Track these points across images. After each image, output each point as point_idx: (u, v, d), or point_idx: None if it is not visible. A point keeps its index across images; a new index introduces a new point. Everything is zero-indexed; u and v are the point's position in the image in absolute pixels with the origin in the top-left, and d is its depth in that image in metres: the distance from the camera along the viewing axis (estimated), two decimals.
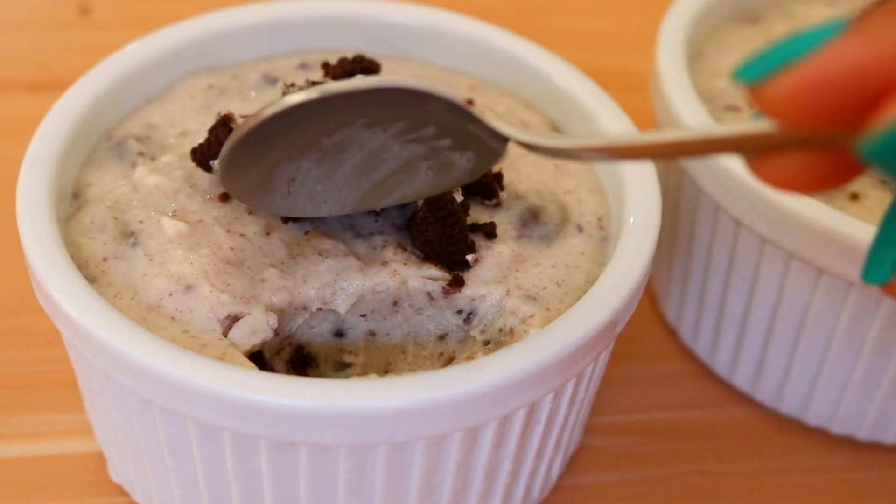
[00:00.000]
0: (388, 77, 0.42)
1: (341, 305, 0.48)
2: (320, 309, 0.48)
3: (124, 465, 0.52)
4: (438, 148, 0.44)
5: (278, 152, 0.44)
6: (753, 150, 0.34)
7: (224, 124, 0.49)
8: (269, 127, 0.43)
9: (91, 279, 0.47)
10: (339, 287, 0.48)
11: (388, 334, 0.49)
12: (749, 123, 0.34)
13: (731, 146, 0.35)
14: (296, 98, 0.42)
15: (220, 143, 0.48)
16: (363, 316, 0.49)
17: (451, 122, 0.42)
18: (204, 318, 0.46)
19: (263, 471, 0.45)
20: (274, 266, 0.48)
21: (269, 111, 0.42)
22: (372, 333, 0.49)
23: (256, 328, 0.46)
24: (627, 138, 0.37)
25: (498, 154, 0.44)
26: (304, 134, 0.44)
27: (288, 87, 0.49)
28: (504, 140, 0.42)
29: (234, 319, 0.46)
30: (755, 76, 0.33)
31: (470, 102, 0.42)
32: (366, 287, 0.48)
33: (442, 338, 0.49)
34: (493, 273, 0.48)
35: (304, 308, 0.48)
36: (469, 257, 0.48)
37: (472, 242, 0.48)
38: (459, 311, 0.48)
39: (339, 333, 0.50)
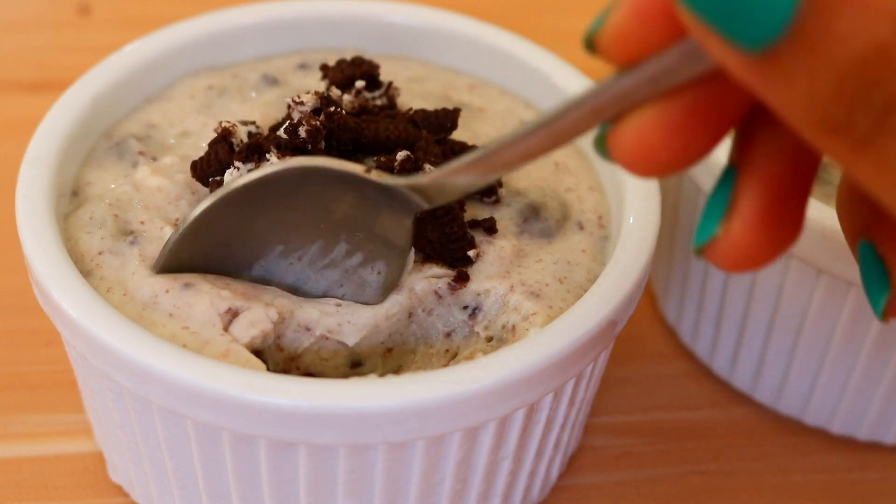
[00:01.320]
0: (284, 162, 0.45)
1: (349, 337, 0.47)
2: (326, 337, 0.47)
3: (124, 465, 0.52)
4: (351, 268, 0.47)
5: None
6: (607, 116, 0.35)
7: (224, 139, 0.49)
8: (183, 248, 0.46)
9: (86, 273, 0.47)
10: (346, 320, 0.47)
11: (403, 343, 0.49)
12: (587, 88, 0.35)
13: (586, 118, 0.35)
14: (207, 202, 0.45)
15: (220, 161, 0.48)
16: (382, 343, 0.48)
17: (357, 220, 0.45)
18: (204, 312, 0.45)
19: (263, 471, 0.45)
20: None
21: (175, 235, 0.46)
22: (389, 350, 0.49)
23: (256, 320, 0.46)
24: (482, 152, 0.39)
25: (405, 252, 0.46)
26: (224, 263, 0.47)
27: (296, 103, 0.49)
28: (406, 212, 0.44)
29: (234, 314, 0.46)
30: (594, 30, 0.34)
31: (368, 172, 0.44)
32: (378, 316, 0.47)
33: (448, 335, 0.49)
34: (497, 268, 0.48)
35: (308, 329, 0.47)
36: (470, 253, 0.48)
37: (472, 238, 0.48)
38: (465, 307, 0.48)
39: (357, 363, 0.49)
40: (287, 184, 0.45)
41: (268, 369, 0.47)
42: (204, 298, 0.46)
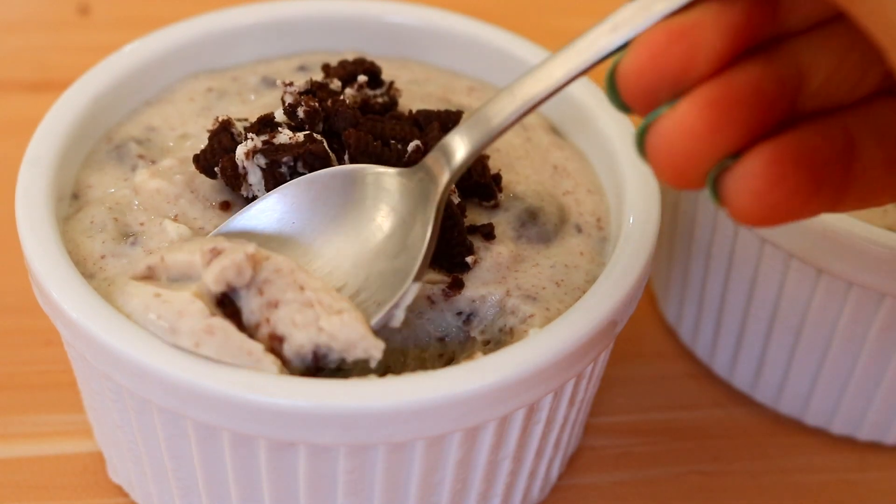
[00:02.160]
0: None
1: (338, 347, 0.46)
2: (312, 305, 0.46)
3: (124, 465, 0.52)
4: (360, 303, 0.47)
5: None
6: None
7: (225, 129, 0.49)
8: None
9: (88, 276, 0.47)
10: (347, 326, 0.45)
11: (387, 340, 0.49)
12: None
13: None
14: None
15: (224, 149, 0.48)
16: None
17: (389, 253, 0.46)
18: (183, 259, 0.44)
19: (262, 471, 0.45)
20: None
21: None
22: None
23: (227, 264, 0.43)
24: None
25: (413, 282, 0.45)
26: None
27: (287, 85, 0.49)
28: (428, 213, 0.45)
29: (216, 254, 0.44)
30: None
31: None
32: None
33: (441, 339, 0.49)
34: (493, 274, 0.48)
35: (301, 288, 0.45)
36: (468, 259, 0.48)
37: (471, 244, 0.48)
38: (459, 313, 0.48)
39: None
40: (337, 197, 0.46)
41: (241, 317, 0.44)
42: (192, 245, 0.45)
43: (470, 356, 0.47)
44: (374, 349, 0.43)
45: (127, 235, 0.48)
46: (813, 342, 0.56)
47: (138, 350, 0.43)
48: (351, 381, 0.43)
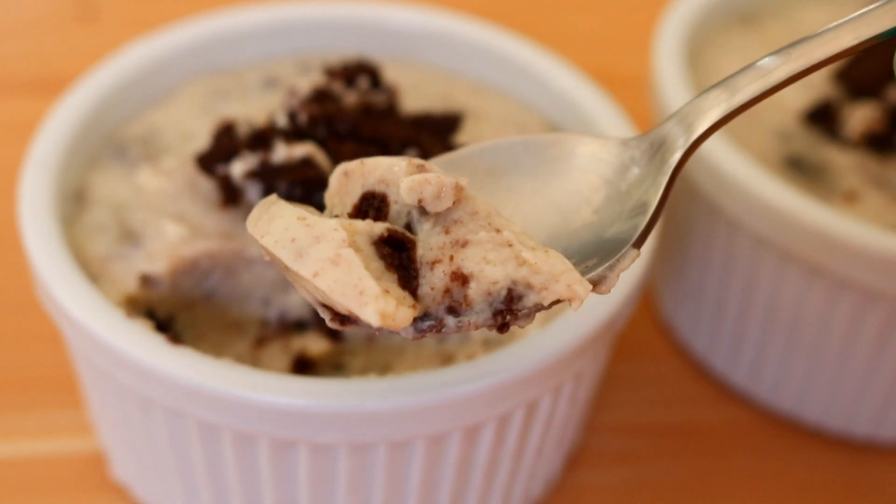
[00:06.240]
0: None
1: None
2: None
3: (125, 463, 0.52)
4: None
5: None
6: None
7: (228, 131, 0.49)
8: None
9: (93, 278, 0.47)
10: None
11: (385, 337, 0.49)
12: None
13: None
14: None
15: (226, 150, 0.48)
16: None
17: None
18: (385, 165, 0.40)
19: (264, 469, 0.45)
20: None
21: None
22: (371, 337, 0.49)
23: (431, 179, 0.38)
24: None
25: None
26: None
27: (291, 93, 0.49)
28: None
29: (421, 169, 0.40)
30: None
31: None
32: None
33: (441, 339, 0.49)
34: None
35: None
36: None
37: None
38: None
39: (339, 337, 0.50)
40: (543, 165, 0.43)
41: (414, 251, 0.39)
42: (402, 159, 0.41)
43: (470, 356, 0.47)
44: (580, 286, 0.37)
45: (129, 236, 0.49)
46: (810, 341, 0.56)
47: (141, 349, 0.43)
48: (351, 381, 0.43)
